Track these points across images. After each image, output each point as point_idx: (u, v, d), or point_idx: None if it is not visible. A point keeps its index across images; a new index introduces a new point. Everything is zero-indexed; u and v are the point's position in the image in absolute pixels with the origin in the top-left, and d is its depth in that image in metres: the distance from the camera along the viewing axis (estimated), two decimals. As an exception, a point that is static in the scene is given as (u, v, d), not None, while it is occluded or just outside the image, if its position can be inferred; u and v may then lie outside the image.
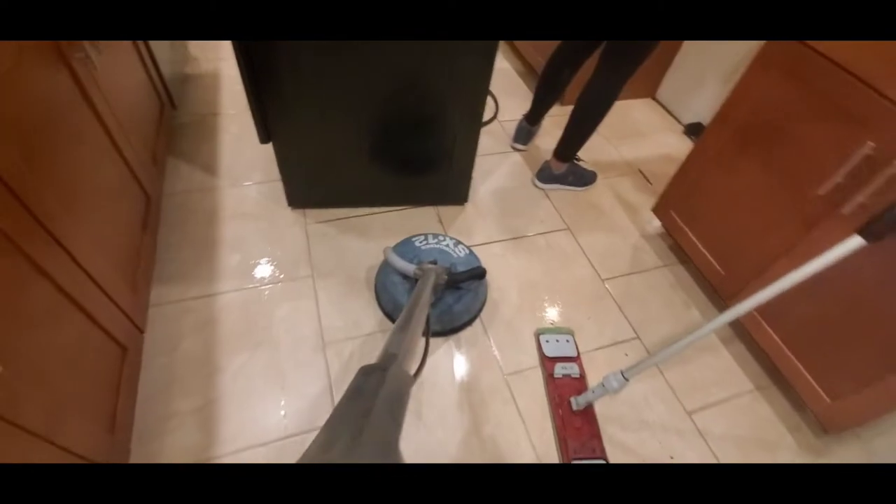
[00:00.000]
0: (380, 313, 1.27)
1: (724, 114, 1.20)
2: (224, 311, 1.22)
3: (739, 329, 1.35)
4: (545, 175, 1.68)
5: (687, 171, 1.35)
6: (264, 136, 1.25)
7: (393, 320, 1.25)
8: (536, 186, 1.71)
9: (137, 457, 0.96)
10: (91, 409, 0.83)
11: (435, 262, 1.24)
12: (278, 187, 1.49)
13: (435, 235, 1.35)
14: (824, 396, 1.08)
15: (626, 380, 1.01)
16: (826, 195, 0.99)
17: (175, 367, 1.10)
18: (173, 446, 0.99)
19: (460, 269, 1.27)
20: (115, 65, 1.15)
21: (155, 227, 1.28)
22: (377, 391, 0.52)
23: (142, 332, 1.08)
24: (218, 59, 2.03)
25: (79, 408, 0.79)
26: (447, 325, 1.24)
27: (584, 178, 1.71)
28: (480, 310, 1.30)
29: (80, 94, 0.95)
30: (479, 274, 1.23)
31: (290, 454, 1.01)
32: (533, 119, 1.79)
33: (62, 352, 0.76)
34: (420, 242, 1.33)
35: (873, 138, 0.88)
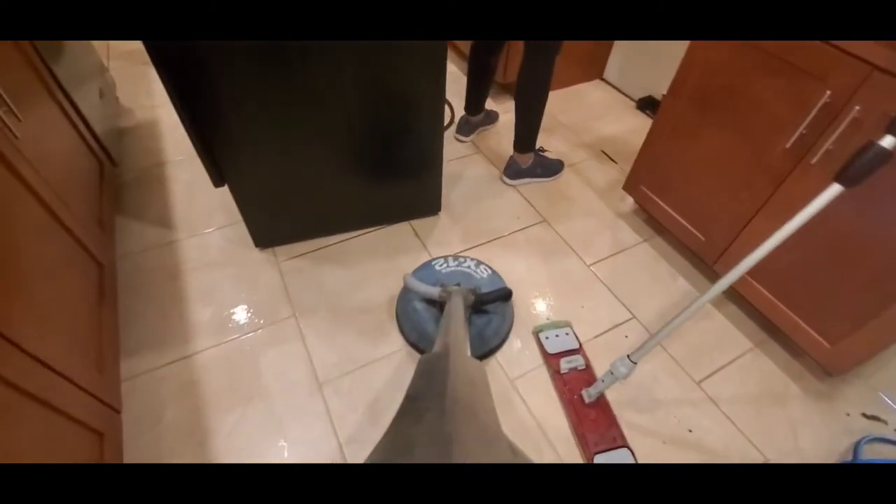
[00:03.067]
0: (374, 342, 1.22)
1: (678, 84, 1.21)
2: (205, 371, 1.14)
3: (729, 290, 1.37)
4: (512, 171, 1.67)
5: (651, 145, 1.36)
6: (217, 180, 1.18)
7: (419, 350, 1.18)
8: (505, 183, 1.69)
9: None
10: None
11: (458, 285, 1.21)
12: (242, 229, 1.42)
13: (455, 258, 1.35)
14: (823, 342, 1.10)
15: (634, 363, 0.99)
16: (791, 148, 1.00)
17: (162, 441, 1.02)
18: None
19: (485, 290, 1.24)
20: (39, 129, 1.06)
21: (113, 296, 1.19)
22: (447, 372, 0.55)
23: (118, 412, 0.99)
24: (153, 107, 1.93)
25: None
26: (479, 351, 1.18)
27: (551, 168, 1.71)
28: (508, 332, 1.23)
29: (4, 167, 0.86)
30: (505, 295, 1.23)
31: None
32: (471, 109, 1.79)
33: (28, 457, 0.68)
34: (440, 266, 1.32)
35: (829, 86, 0.89)
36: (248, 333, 1.21)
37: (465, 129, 1.83)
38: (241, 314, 1.25)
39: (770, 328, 1.28)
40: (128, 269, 1.34)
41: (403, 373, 1.16)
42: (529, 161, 1.65)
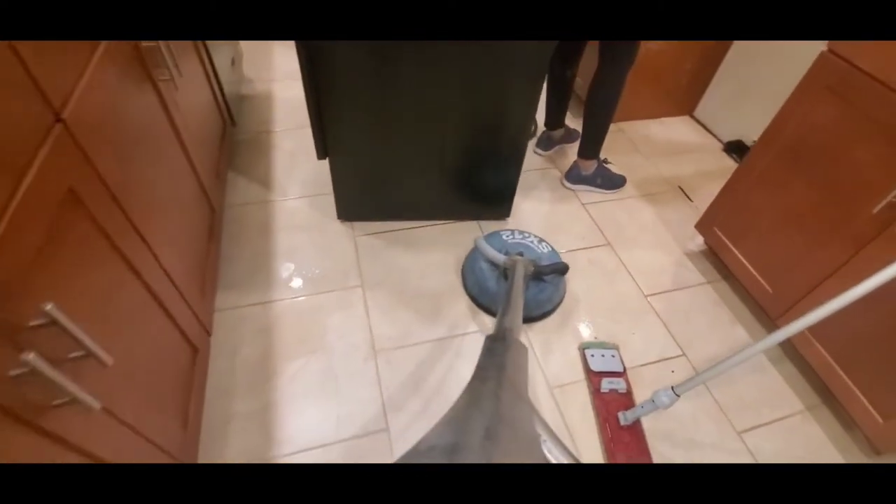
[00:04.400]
0: (429, 325, 1.31)
1: (771, 133, 1.21)
2: (280, 319, 1.28)
3: (788, 348, 1.34)
4: (574, 175, 1.72)
5: (732, 189, 1.36)
6: (322, 152, 1.32)
7: (478, 303, 1.37)
8: (565, 186, 1.75)
9: (205, 455, 1.01)
10: (169, 405, 0.88)
11: (521, 255, 1.33)
12: (328, 201, 1.56)
13: (521, 232, 1.47)
14: (876, 416, 1.06)
15: (677, 396, 1.02)
16: (878, 214, 0.99)
17: (236, 371, 1.16)
18: (235, 447, 1.04)
19: (544, 263, 1.36)
20: (189, 84, 1.25)
21: (218, 237, 1.36)
22: (505, 352, 0.67)
23: (209, 334, 1.15)
24: (270, 81, 2.14)
25: (158, 404, 0.84)
26: (530, 313, 1.33)
27: (612, 182, 1.74)
28: (560, 302, 1.39)
29: (164, 113, 1.03)
30: (562, 269, 1.34)
31: (344, 457, 1.04)
32: (551, 123, 1.85)
33: (147, 349, 0.82)
34: (507, 236, 1.45)
35: (933, 158, 0.88)
36: (320, 294, 1.35)
37: (546, 143, 1.89)
38: (316, 275, 1.39)
39: (824, 394, 1.24)
40: (229, 218, 1.52)
41: (450, 357, 1.24)
42: (592, 169, 1.69)
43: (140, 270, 0.80)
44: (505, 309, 0.94)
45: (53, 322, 0.52)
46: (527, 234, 1.46)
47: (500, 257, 1.31)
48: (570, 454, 0.71)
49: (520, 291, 1.06)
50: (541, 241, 1.46)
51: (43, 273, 0.55)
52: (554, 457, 0.73)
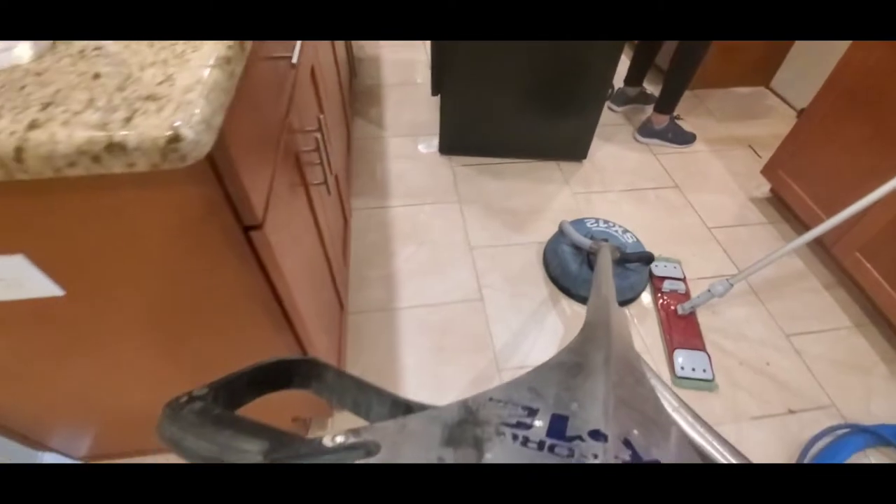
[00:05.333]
0: (515, 234, 1.57)
1: (833, 79, 1.36)
2: (394, 219, 1.59)
3: (841, 275, 1.46)
4: (646, 130, 1.91)
5: (796, 134, 1.51)
6: (435, 90, 1.62)
7: (559, 285, 1.41)
8: (637, 140, 1.94)
9: (352, 304, 1.34)
10: (337, 240, 1.21)
11: (606, 241, 1.36)
12: (429, 139, 1.87)
13: (606, 221, 1.52)
14: (924, 325, 1.19)
15: (731, 285, 1.21)
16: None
17: (366, 249, 1.49)
18: (369, 299, 1.36)
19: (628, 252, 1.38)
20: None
21: (351, 155, 1.71)
22: (609, 312, 0.63)
23: (348, 220, 1.48)
24: (378, 47, 2.50)
25: (337, 266, 1.17)
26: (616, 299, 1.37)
27: (682, 137, 1.91)
28: (642, 291, 1.41)
29: (333, 53, 1.37)
30: (647, 257, 1.36)
31: (447, 315, 1.33)
32: (629, 80, 2.04)
33: (334, 204, 1.15)
34: (591, 224, 1.50)
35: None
36: (425, 204, 1.65)
37: (620, 99, 2.09)
38: (422, 191, 1.70)
39: (873, 316, 1.37)
40: (354, 148, 1.86)
41: (532, 259, 1.49)
42: (664, 123, 1.87)
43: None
44: (596, 293, 0.87)
45: (317, 149, 0.84)
46: (611, 224, 1.50)
47: (584, 241, 1.33)
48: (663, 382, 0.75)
49: (610, 275, 0.98)
50: (625, 231, 1.48)
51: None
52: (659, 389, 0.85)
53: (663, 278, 1.42)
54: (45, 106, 0.33)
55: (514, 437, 0.28)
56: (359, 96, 2.14)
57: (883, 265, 1.28)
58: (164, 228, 0.49)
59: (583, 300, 1.37)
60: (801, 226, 1.59)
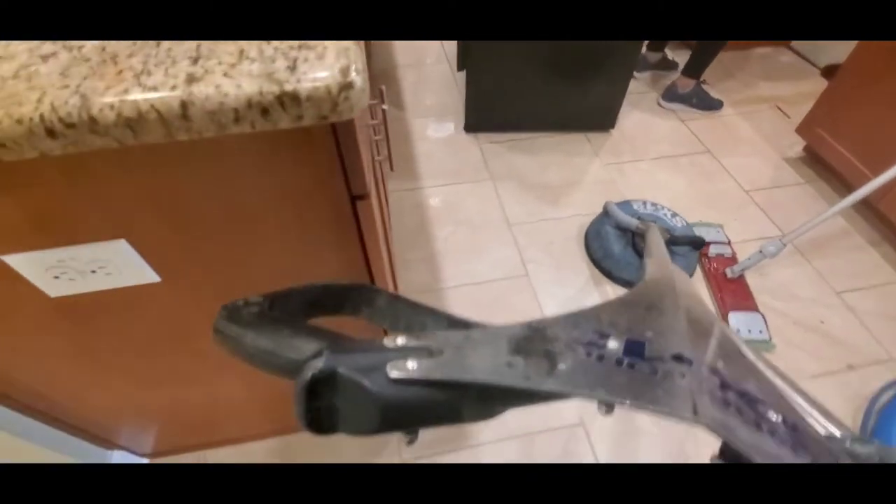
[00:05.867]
0: (551, 208, 1.55)
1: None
2: (427, 200, 1.57)
3: (886, 231, 1.45)
4: (670, 94, 1.88)
5: (833, 90, 1.48)
6: (461, 64, 1.58)
7: (601, 267, 1.36)
8: (661, 106, 1.91)
9: (399, 287, 1.32)
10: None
11: (654, 223, 1.29)
12: (451, 119, 1.83)
13: (654, 203, 1.46)
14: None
15: (784, 245, 1.19)
16: None
17: (403, 231, 1.46)
18: (414, 281, 1.34)
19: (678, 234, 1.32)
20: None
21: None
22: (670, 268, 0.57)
23: (388, 201, 1.45)
24: (387, 27, 2.44)
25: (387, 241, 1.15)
26: None
27: (707, 103, 1.87)
28: (691, 276, 1.34)
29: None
30: (697, 242, 1.30)
31: (494, 293, 1.31)
32: (652, 46, 2.00)
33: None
34: (638, 206, 1.45)
35: None
36: (457, 184, 1.62)
37: (641, 65, 2.04)
38: (451, 170, 1.67)
39: (925, 268, 1.36)
40: (374, 130, 1.83)
41: (572, 233, 1.47)
42: (689, 88, 1.83)
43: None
44: (652, 260, 0.79)
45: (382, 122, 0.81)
46: (659, 207, 1.45)
47: (631, 221, 1.29)
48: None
49: (663, 246, 0.92)
50: (674, 214, 1.43)
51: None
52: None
53: (708, 244, 1.40)
54: (195, 60, 0.31)
55: (588, 353, 0.26)
56: (375, 79, 2.09)
57: (934, 216, 1.26)
58: (279, 198, 0.47)
59: (625, 283, 1.34)
60: (840, 183, 1.57)
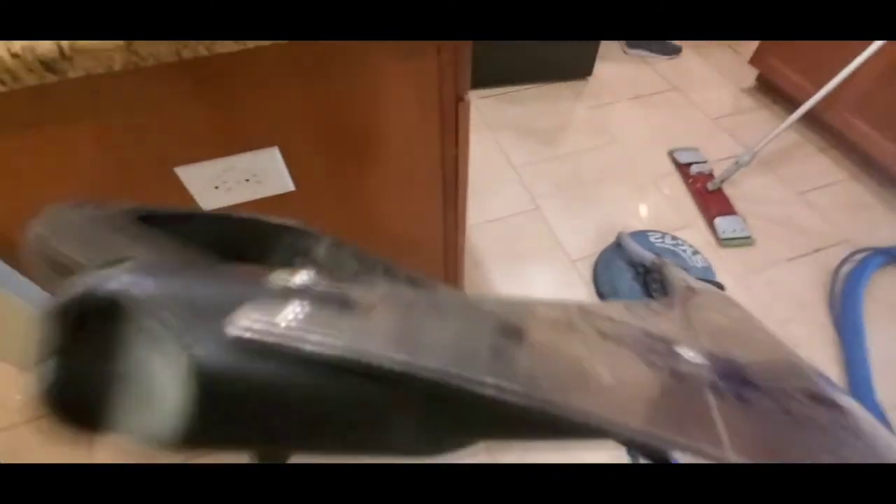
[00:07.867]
0: (550, 147, 1.69)
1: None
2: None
3: (832, 138, 1.68)
4: (633, 41, 2.07)
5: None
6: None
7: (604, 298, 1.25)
8: (625, 52, 2.09)
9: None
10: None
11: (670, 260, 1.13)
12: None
13: (673, 237, 1.34)
14: (909, 160, 1.42)
15: (755, 152, 1.39)
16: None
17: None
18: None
19: (697, 276, 1.15)
20: None
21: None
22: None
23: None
24: None
25: None
26: None
27: (666, 49, 2.07)
28: None
29: None
30: (717, 287, 1.14)
31: (512, 225, 1.45)
32: None
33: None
34: (655, 238, 1.32)
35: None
36: (459, 138, 1.74)
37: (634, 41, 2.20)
38: (451, 127, 1.78)
39: (864, 165, 1.60)
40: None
41: (571, 169, 1.63)
42: None
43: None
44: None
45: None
46: (679, 241, 1.32)
47: (646, 255, 1.17)
48: None
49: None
50: (695, 252, 1.30)
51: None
52: None
53: (689, 164, 1.59)
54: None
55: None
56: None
57: (870, 120, 1.49)
58: (410, 102, 0.58)
59: None
60: (792, 105, 1.79)
